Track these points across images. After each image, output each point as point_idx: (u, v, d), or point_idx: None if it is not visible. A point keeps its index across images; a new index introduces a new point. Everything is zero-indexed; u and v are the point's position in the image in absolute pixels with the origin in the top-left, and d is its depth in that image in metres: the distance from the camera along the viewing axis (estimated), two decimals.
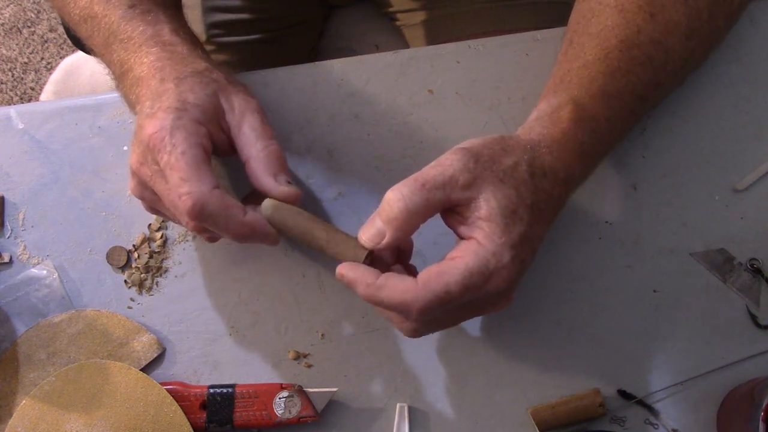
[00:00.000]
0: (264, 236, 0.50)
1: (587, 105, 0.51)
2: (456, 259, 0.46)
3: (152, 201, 0.52)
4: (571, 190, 0.50)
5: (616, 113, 0.52)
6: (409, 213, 0.46)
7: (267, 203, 0.50)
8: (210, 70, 0.52)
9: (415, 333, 0.49)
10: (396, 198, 0.46)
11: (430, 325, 0.49)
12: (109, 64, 0.56)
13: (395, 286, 0.46)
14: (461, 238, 0.48)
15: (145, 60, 0.52)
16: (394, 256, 0.52)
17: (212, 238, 0.55)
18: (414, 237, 0.53)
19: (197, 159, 0.48)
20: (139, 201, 0.53)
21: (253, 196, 0.53)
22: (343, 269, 0.48)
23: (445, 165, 0.46)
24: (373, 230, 0.47)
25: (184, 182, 0.47)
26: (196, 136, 0.48)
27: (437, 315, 0.47)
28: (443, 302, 0.45)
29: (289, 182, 0.51)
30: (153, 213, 0.55)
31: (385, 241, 0.47)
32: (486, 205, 0.46)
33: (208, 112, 0.50)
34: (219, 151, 0.52)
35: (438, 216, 0.49)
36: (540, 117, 0.51)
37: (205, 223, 0.48)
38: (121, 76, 0.54)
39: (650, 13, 0.53)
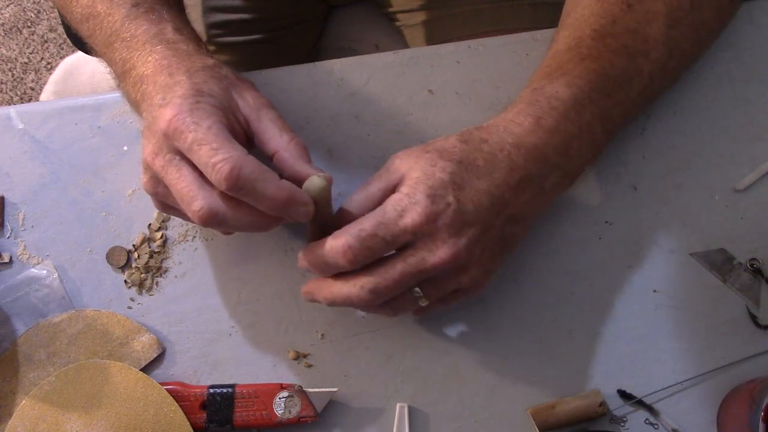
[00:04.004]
0: (300, 204, 0.48)
1: (545, 86, 0.52)
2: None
3: (164, 196, 0.51)
4: (531, 155, 0.50)
5: (584, 94, 0.52)
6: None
7: (313, 178, 0.49)
8: (219, 66, 0.52)
9: (371, 296, 0.50)
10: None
11: (387, 293, 0.50)
12: (110, 62, 0.56)
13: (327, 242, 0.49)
14: None
15: (150, 58, 0.52)
16: None
17: (227, 232, 0.56)
18: None
19: (225, 132, 0.47)
20: (139, 201, 0.53)
21: None
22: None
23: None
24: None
25: (216, 151, 0.45)
26: (217, 116, 0.48)
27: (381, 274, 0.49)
28: (362, 238, 0.48)
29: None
30: (164, 210, 0.53)
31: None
32: (407, 175, 0.49)
33: (223, 104, 0.49)
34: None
35: None
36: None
37: (242, 192, 0.46)
38: (122, 75, 0.54)
39: (628, 4, 0.54)
